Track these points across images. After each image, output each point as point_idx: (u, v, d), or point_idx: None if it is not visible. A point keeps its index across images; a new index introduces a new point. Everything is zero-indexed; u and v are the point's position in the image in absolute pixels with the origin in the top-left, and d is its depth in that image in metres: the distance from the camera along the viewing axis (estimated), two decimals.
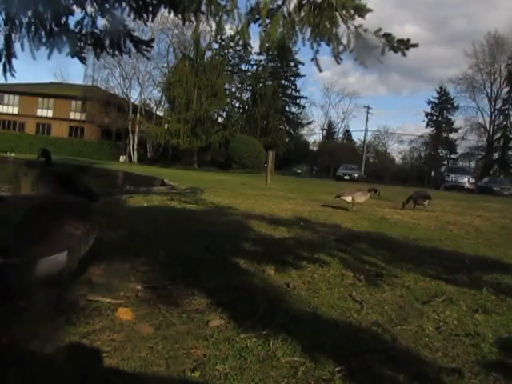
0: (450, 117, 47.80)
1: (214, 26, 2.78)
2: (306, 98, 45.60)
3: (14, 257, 1.70)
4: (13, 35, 3.47)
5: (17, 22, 3.34)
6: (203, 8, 2.79)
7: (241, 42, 2.59)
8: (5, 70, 3.75)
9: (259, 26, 2.53)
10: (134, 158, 35.30)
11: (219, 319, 2.01)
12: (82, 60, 3.64)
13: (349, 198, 7.04)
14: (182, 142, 31.60)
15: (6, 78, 3.85)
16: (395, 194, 11.41)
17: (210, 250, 3.34)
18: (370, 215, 6.44)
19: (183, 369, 1.56)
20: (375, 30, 2.30)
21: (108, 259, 2.84)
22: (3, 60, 3.68)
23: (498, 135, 42.30)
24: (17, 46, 3.56)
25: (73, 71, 75.37)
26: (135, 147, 35.73)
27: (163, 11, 3.52)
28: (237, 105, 40.26)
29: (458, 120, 52.99)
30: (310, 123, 49.97)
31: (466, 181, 24.32)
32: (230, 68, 39.04)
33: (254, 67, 40.36)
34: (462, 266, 3.32)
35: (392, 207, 7.68)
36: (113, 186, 12.95)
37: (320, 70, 2.71)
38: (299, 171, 36.62)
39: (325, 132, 55.54)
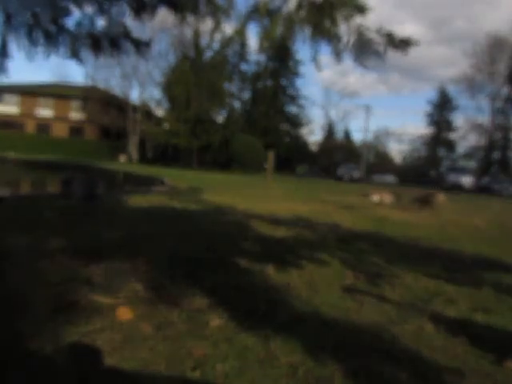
0: (449, 117, 47.76)
1: (212, 26, 2.77)
2: (306, 98, 45.60)
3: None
4: (9, 36, 3.44)
5: (14, 23, 3.32)
6: (201, 8, 2.78)
7: (239, 43, 2.58)
8: None
9: (258, 25, 2.53)
10: (134, 157, 35.28)
11: (219, 319, 2.00)
12: (80, 61, 3.63)
13: (377, 198, 7.54)
14: (182, 141, 31.60)
15: None
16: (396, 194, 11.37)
17: (210, 249, 3.34)
18: (370, 215, 6.43)
19: (183, 368, 1.55)
20: (376, 29, 2.29)
21: (108, 259, 2.85)
22: None
23: (498, 135, 42.26)
24: (13, 46, 3.53)
25: (73, 71, 75.16)
26: (135, 147, 35.70)
27: (163, 11, 3.51)
28: (237, 105, 40.28)
29: (458, 120, 52.92)
30: (310, 123, 49.94)
31: (466, 181, 24.29)
32: (230, 68, 38.98)
33: (254, 67, 40.38)
34: (461, 266, 3.32)
35: (392, 207, 7.68)
36: (113, 186, 12.93)
37: (320, 70, 2.70)
38: (299, 171, 36.61)
39: (325, 132, 55.51)
